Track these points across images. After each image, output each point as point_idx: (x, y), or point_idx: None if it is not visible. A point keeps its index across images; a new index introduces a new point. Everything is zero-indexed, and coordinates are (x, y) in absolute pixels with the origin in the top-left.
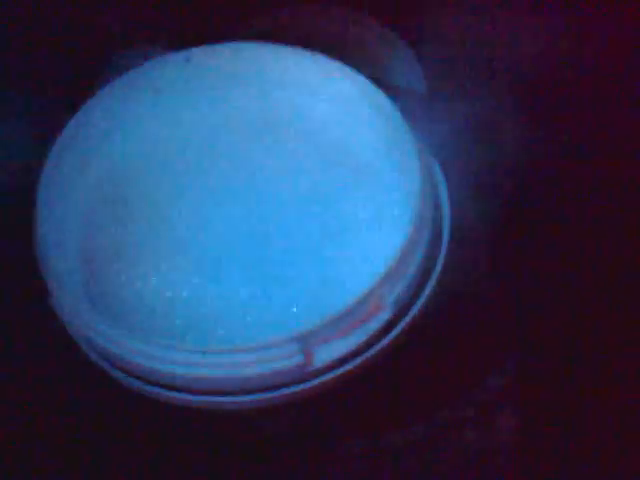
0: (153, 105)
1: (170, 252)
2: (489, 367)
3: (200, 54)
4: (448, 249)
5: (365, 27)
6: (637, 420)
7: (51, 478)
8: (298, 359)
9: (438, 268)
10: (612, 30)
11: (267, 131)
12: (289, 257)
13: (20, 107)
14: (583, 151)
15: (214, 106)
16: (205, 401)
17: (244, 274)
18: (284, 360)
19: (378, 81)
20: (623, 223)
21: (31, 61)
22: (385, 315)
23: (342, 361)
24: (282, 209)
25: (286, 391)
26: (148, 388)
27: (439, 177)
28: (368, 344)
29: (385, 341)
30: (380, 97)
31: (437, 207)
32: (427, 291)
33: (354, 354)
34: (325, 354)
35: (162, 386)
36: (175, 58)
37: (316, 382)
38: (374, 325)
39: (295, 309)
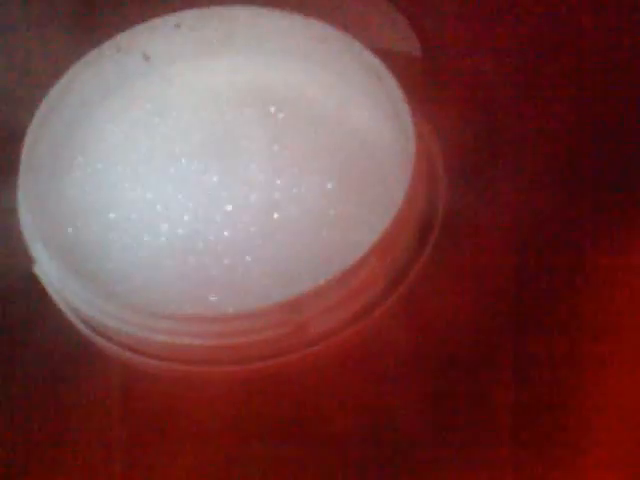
0: (140, 72)
1: (156, 217)
2: (485, 339)
3: (190, 19)
4: (444, 218)
5: None
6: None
7: (32, 449)
8: (291, 327)
9: (434, 236)
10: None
11: (257, 100)
12: (282, 225)
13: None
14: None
15: (203, 73)
16: (195, 371)
17: (236, 241)
18: (276, 328)
19: (373, 47)
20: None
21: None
22: (378, 285)
23: (336, 330)
24: (273, 181)
25: (278, 361)
26: (134, 357)
27: (435, 147)
28: (362, 313)
29: (379, 310)
30: (375, 63)
31: (433, 177)
32: (422, 259)
33: (348, 323)
34: (318, 323)
35: (149, 355)
36: (164, 23)
37: (309, 351)
38: (368, 294)
39: (289, 277)
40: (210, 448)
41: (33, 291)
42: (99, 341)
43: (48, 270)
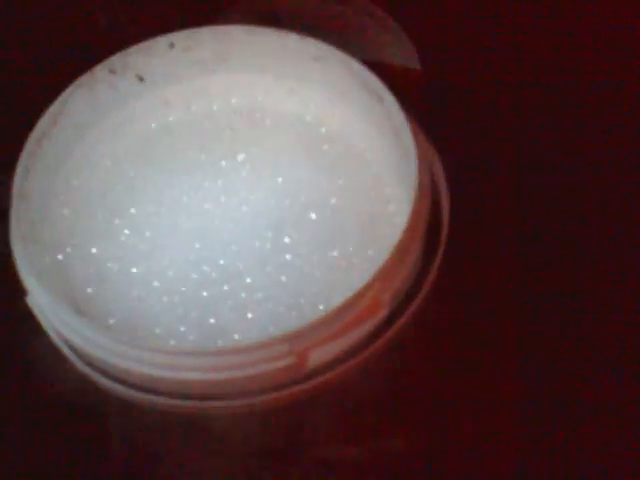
0: (135, 93)
1: (151, 243)
2: (491, 368)
3: (184, 39)
4: (448, 243)
5: (355, 7)
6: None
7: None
8: (290, 360)
9: (437, 263)
10: None
11: (253, 120)
12: (280, 254)
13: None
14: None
15: (198, 93)
16: (193, 405)
17: (241, 274)
18: (275, 361)
19: (371, 62)
20: (631, 207)
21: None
22: (382, 313)
23: (336, 362)
24: (269, 202)
25: (277, 394)
26: (128, 391)
27: (438, 167)
28: (364, 344)
29: (382, 340)
30: (373, 81)
31: (435, 199)
32: (426, 288)
33: (349, 354)
34: (319, 355)
35: (144, 390)
36: (158, 44)
37: (309, 384)
38: (370, 324)
39: (287, 308)
40: None
41: (25, 322)
42: (93, 374)
43: (40, 302)
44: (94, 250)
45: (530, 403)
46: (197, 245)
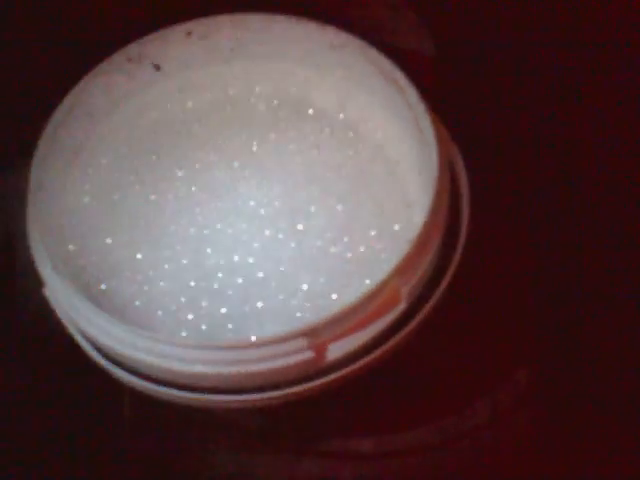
0: (151, 82)
1: (172, 239)
2: (508, 363)
3: (201, 27)
4: (467, 237)
5: None
6: None
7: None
8: (309, 354)
9: (456, 259)
10: None
11: (270, 108)
12: (299, 246)
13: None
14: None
15: (215, 82)
16: (211, 399)
17: (252, 265)
18: (294, 356)
19: (386, 47)
20: None
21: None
22: (400, 308)
23: (355, 356)
24: (289, 192)
25: (296, 388)
26: (146, 384)
27: (457, 155)
28: (382, 338)
29: (400, 335)
30: (392, 69)
31: (455, 191)
32: (445, 282)
33: (367, 349)
34: (337, 349)
35: (161, 382)
36: (175, 32)
37: (328, 378)
38: (388, 318)
39: (307, 302)
40: (221, 475)
41: (42, 313)
42: (108, 366)
43: (57, 293)
44: (109, 240)
45: (547, 393)
46: (211, 234)
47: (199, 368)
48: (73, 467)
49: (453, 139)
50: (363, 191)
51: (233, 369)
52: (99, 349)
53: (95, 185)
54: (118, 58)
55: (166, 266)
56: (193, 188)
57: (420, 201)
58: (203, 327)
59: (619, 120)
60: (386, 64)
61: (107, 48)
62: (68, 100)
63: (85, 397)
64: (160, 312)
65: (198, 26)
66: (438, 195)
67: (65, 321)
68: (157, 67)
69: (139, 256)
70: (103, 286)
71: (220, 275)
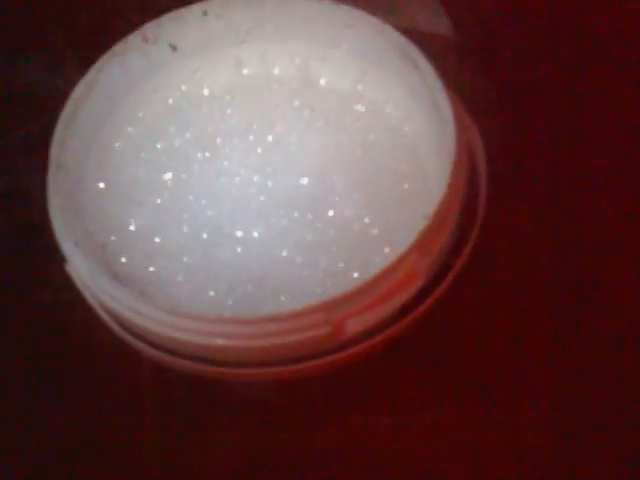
0: (168, 62)
1: (196, 213)
2: (526, 342)
3: (217, 7)
4: (485, 215)
5: None
6: None
7: (63, 447)
8: (326, 329)
9: (474, 237)
10: None
11: (287, 88)
12: (322, 225)
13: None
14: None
15: (231, 61)
16: (229, 372)
17: (273, 239)
18: (312, 330)
19: (404, 29)
20: None
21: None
22: (417, 284)
23: (372, 332)
24: (309, 172)
25: (313, 363)
26: (166, 356)
27: (476, 138)
28: (400, 314)
29: (417, 311)
30: (409, 47)
31: (474, 170)
32: (462, 259)
33: (385, 325)
34: (355, 324)
35: (182, 355)
36: (191, 12)
37: (345, 353)
38: (406, 294)
39: (328, 280)
40: (240, 449)
41: (65, 289)
42: (131, 340)
43: (79, 268)
44: (129, 218)
45: (563, 371)
46: (230, 211)
47: (219, 341)
48: (95, 440)
49: (471, 117)
50: (383, 170)
51: (253, 342)
52: (121, 323)
53: (113, 165)
54: (134, 39)
55: (186, 242)
56: (211, 168)
57: (438, 178)
58: (229, 302)
59: None
60: (402, 42)
61: (123, 28)
62: (86, 80)
63: (108, 371)
64: (182, 288)
65: (214, 6)
66: (456, 172)
67: (87, 296)
68: (173, 47)
69: (159, 232)
70: (123, 259)
71: (240, 250)
